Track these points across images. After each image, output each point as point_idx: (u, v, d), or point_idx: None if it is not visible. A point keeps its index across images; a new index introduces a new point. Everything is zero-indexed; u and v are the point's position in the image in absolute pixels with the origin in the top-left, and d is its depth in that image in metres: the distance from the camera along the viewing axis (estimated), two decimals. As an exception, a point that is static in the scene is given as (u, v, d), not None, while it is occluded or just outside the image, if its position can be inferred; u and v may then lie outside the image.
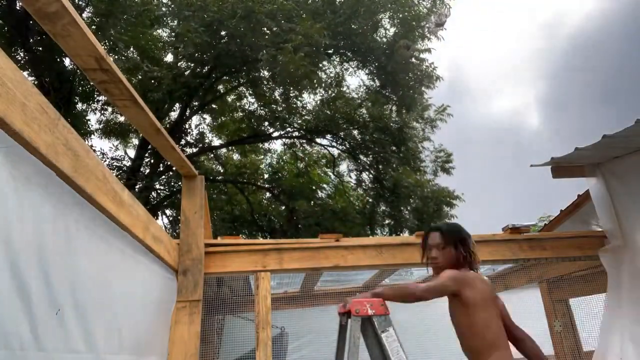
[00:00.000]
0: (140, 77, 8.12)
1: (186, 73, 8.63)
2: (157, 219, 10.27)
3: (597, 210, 2.59)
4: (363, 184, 11.61)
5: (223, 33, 7.97)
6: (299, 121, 10.88)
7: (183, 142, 10.93)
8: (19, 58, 8.45)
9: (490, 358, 1.86)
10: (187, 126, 11.25)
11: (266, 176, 12.49)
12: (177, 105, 9.83)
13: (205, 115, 11.69)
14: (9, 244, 0.96)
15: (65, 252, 1.20)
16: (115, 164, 10.93)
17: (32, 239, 1.05)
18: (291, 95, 9.56)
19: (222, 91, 10.68)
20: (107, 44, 8.15)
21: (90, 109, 10.60)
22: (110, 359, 1.45)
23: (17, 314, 0.98)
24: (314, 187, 11.79)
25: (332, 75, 9.99)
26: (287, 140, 11.74)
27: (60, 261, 1.17)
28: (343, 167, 12.06)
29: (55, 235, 1.15)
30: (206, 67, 9.01)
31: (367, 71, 9.78)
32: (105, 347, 1.42)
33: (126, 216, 1.59)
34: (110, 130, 10.88)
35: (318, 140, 11.45)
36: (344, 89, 10.50)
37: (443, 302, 2.32)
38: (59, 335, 1.14)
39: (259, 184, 12.04)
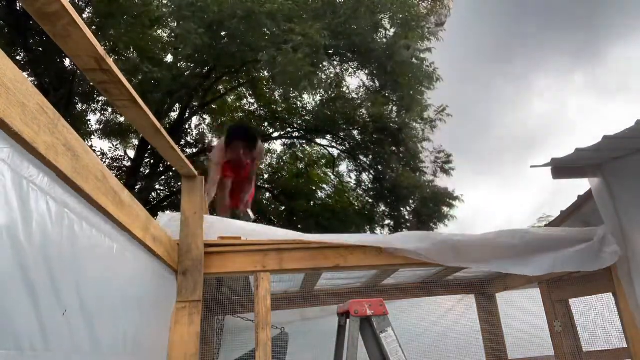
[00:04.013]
0: (140, 77, 8.13)
1: (186, 73, 8.64)
2: (157, 219, 10.24)
3: (601, 211, 2.60)
4: (363, 184, 11.62)
5: (223, 33, 7.97)
6: (299, 121, 10.89)
7: (183, 142, 10.94)
8: (19, 58, 8.45)
9: None
10: (187, 126, 11.26)
11: (266, 176, 12.50)
12: (177, 105, 9.83)
13: (205, 116, 11.70)
14: (17, 245, 0.97)
15: (69, 253, 1.21)
16: (115, 164, 10.94)
17: (38, 240, 1.06)
18: (291, 95, 9.57)
19: (222, 91, 10.69)
20: (107, 44, 8.16)
21: (90, 110, 10.61)
22: (114, 359, 1.46)
23: (27, 315, 0.99)
24: (313, 188, 11.79)
25: (332, 75, 10.00)
26: (287, 140, 11.75)
27: (64, 262, 1.17)
28: (343, 167, 12.07)
29: (59, 237, 1.16)
30: (206, 68, 9.02)
31: (367, 72, 9.78)
32: (109, 347, 1.42)
33: (126, 216, 1.59)
34: (110, 130, 10.88)
35: (318, 140, 11.46)
36: (344, 89, 10.51)
37: (442, 304, 2.31)
38: (66, 336, 1.15)
39: (259, 184, 12.05)
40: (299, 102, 10.54)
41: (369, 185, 11.39)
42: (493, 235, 2.70)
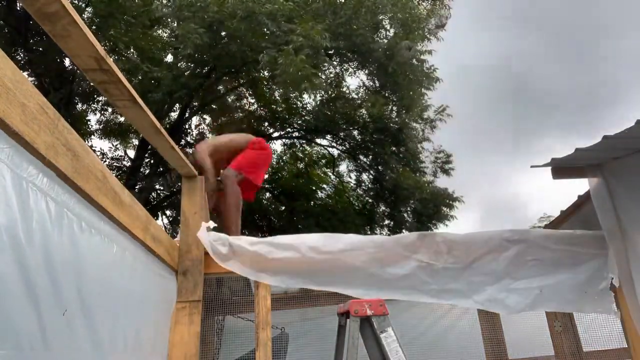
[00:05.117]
0: (140, 77, 8.13)
1: (186, 73, 8.63)
2: (157, 219, 10.28)
3: (597, 211, 2.59)
4: (363, 184, 11.62)
5: (223, 33, 7.97)
6: (299, 121, 10.88)
7: (183, 142, 10.94)
8: (19, 58, 8.45)
9: None
10: (187, 126, 11.26)
11: (266, 176, 12.49)
12: (177, 105, 9.83)
13: (205, 116, 11.70)
14: (17, 245, 0.97)
15: (69, 253, 1.21)
16: (115, 164, 10.94)
17: (38, 240, 1.06)
18: (291, 95, 9.57)
19: (222, 91, 10.68)
20: (107, 44, 8.16)
21: (90, 110, 10.62)
22: (114, 359, 1.46)
23: (27, 315, 0.99)
24: (313, 188, 11.79)
25: (332, 75, 10.00)
26: (287, 140, 11.75)
27: (65, 262, 1.17)
28: (343, 167, 12.08)
29: (59, 237, 1.16)
30: (206, 68, 9.02)
31: (367, 72, 9.78)
32: (109, 347, 1.43)
33: (126, 216, 1.59)
34: (110, 130, 10.88)
35: (318, 140, 11.45)
36: (344, 89, 10.51)
37: (442, 304, 2.31)
38: (66, 336, 1.15)
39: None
40: (299, 102, 10.54)
41: (369, 185, 11.39)
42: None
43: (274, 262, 2.26)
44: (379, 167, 10.67)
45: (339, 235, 2.39)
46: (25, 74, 1.66)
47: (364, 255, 2.30)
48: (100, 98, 10.12)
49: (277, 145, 12.27)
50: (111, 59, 1.36)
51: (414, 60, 8.95)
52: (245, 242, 2.31)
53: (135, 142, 10.92)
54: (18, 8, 8.01)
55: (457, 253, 2.38)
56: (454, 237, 2.41)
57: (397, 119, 9.91)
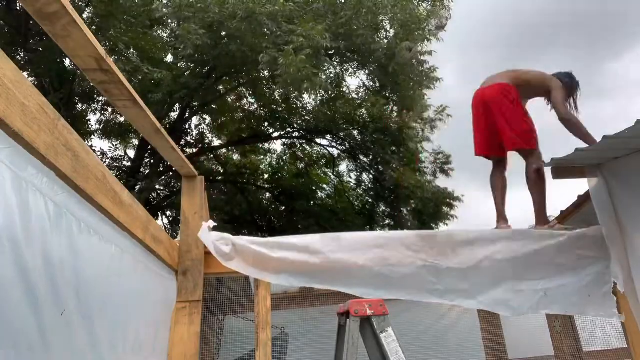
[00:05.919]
0: (140, 78, 8.12)
1: (186, 74, 8.63)
2: (157, 219, 10.28)
3: (597, 211, 2.59)
4: (363, 184, 11.63)
5: (223, 34, 7.97)
6: (299, 121, 10.88)
7: (183, 142, 10.94)
8: (19, 58, 8.44)
9: None
10: (187, 126, 11.26)
11: (266, 176, 12.50)
12: (177, 105, 9.83)
13: (205, 116, 11.70)
14: (16, 245, 0.97)
15: (69, 253, 1.21)
16: (115, 164, 10.94)
17: (37, 240, 1.06)
18: (292, 95, 9.57)
19: (222, 91, 10.69)
20: (107, 44, 8.16)
21: (90, 110, 10.61)
22: (113, 359, 1.46)
23: (25, 315, 0.99)
24: (313, 188, 11.79)
25: (332, 75, 10.00)
26: (287, 140, 11.75)
27: (64, 262, 1.17)
28: (343, 167, 12.08)
29: (58, 237, 1.16)
30: (206, 68, 9.01)
31: (367, 72, 9.78)
32: (108, 347, 1.43)
33: (126, 216, 1.59)
34: (110, 130, 10.87)
35: (318, 140, 11.46)
36: (344, 89, 10.51)
37: (442, 303, 2.31)
38: (64, 336, 1.15)
39: (259, 184, 12.05)
40: (299, 102, 10.54)
41: (369, 185, 11.40)
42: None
43: (277, 261, 2.27)
44: (379, 167, 10.68)
45: (342, 234, 2.39)
46: (25, 74, 1.66)
47: (368, 254, 2.31)
48: (100, 98, 10.11)
49: (277, 145, 12.29)
50: (111, 59, 1.36)
51: (414, 61, 8.94)
52: (249, 241, 2.31)
53: (135, 142, 10.92)
54: (18, 8, 8.01)
55: (462, 253, 2.38)
56: (458, 236, 2.42)
57: (397, 119, 9.91)
